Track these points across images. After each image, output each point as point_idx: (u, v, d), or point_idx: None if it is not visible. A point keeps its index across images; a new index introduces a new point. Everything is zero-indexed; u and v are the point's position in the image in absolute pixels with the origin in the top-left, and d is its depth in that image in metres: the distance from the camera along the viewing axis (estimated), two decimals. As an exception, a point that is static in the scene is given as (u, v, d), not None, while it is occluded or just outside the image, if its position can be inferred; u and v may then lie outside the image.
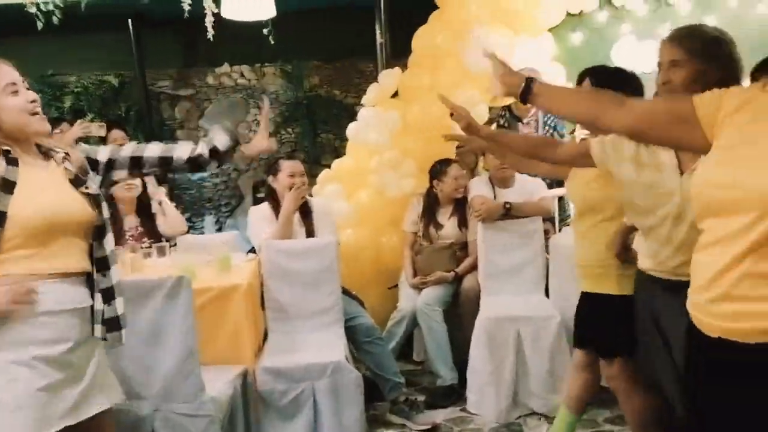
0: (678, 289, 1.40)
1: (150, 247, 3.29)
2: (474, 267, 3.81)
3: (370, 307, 3.74)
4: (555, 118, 4.08)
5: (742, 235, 1.06)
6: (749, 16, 5.36)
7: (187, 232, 3.79)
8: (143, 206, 3.62)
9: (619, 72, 2.21)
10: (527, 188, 3.75)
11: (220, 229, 6.21)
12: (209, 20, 3.82)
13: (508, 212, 3.59)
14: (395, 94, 4.39)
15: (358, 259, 4.09)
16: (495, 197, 3.73)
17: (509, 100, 4.22)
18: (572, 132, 3.83)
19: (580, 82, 2.28)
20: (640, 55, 5.14)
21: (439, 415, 3.36)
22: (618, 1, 5.39)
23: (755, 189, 1.04)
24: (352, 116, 4.48)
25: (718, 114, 1.15)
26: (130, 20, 6.06)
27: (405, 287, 3.97)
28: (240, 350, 2.84)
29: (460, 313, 3.75)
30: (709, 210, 1.14)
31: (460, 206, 3.94)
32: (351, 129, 4.37)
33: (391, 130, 4.15)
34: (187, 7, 3.77)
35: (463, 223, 3.92)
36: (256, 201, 5.84)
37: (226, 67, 6.72)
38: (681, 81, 1.55)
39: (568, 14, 5.22)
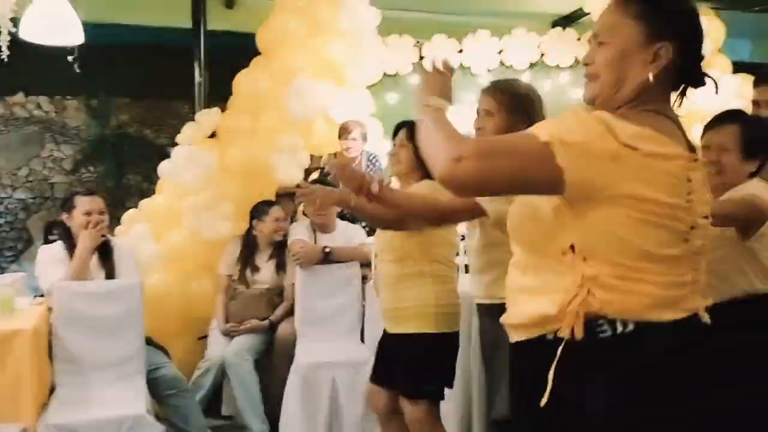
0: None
1: None
2: (290, 313, 3.72)
3: (176, 359, 3.48)
4: (376, 169, 4.26)
5: None
6: (539, 89, 6.02)
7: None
8: None
9: None
10: (347, 234, 3.79)
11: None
12: (4, 40, 3.41)
13: (328, 257, 3.59)
14: (212, 135, 4.25)
15: (164, 306, 3.80)
16: (315, 242, 3.72)
17: (335, 148, 4.30)
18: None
19: (395, 134, 2.41)
20: (450, 118, 5.57)
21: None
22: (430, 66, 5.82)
23: None
24: (164, 157, 4.24)
25: None
26: None
27: (215, 334, 3.75)
28: (20, 405, 2.46)
29: (273, 363, 3.62)
30: None
31: (279, 250, 3.86)
32: (163, 167, 4.13)
33: (208, 170, 3.99)
34: (-26, 25, 3.34)
35: (281, 267, 3.84)
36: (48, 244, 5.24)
37: (20, 96, 6.08)
38: (492, 129, 1.69)
39: (385, 74, 5.54)
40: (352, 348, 3.51)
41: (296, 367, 3.29)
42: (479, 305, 1.99)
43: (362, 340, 3.59)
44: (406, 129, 2.30)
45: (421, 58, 5.70)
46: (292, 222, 4.10)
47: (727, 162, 1.85)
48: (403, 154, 2.33)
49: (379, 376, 2.48)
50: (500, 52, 5.70)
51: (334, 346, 3.49)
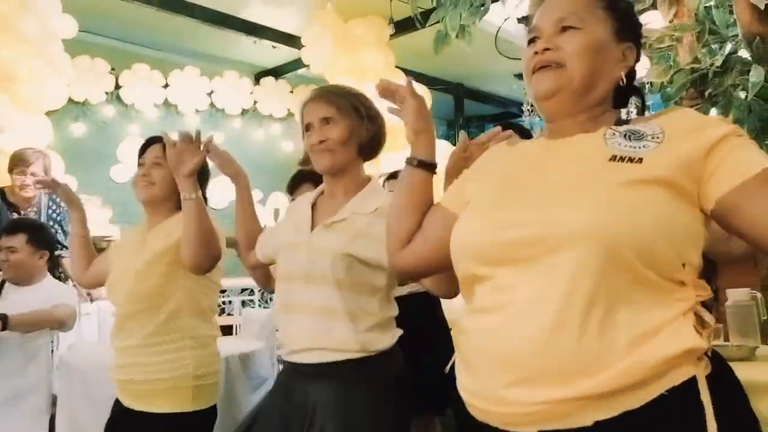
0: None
1: None
2: None
3: None
4: (62, 211, 3.35)
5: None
6: (252, 137, 5.77)
7: None
8: None
9: None
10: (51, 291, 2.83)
11: None
12: None
13: (4, 325, 2.62)
14: None
15: None
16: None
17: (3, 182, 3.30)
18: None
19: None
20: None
21: None
22: (127, 98, 5.10)
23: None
24: None
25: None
26: None
27: None
28: None
29: None
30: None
31: None
32: None
33: None
34: None
35: None
36: None
37: None
38: (338, 137, 1.43)
39: (71, 101, 4.64)
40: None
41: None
42: (305, 365, 1.46)
43: (52, 428, 2.69)
44: (161, 146, 1.71)
45: (118, 87, 4.95)
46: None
47: None
48: (156, 175, 1.73)
49: None
50: (211, 93, 5.26)
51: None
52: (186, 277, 1.66)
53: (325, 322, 1.34)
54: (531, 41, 0.92)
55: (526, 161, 0.91)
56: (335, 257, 1.34)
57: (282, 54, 5.48)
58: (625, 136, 0.85)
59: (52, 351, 2.82)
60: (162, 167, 1.70)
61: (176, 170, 1.55)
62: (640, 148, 0.82)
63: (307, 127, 1.48)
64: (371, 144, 1.45)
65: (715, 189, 0.78)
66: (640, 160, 0.80)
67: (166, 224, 1.70)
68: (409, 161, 1.03)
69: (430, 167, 1.02)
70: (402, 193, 1.03)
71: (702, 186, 0.79)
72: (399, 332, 1.42)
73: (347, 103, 1.46)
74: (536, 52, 0.90)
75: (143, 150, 1.77)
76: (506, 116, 7.74)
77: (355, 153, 1.44)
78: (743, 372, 1.55)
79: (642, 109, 0.98)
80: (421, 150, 1.02)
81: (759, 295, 1.82)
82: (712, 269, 3.41)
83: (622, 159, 0.81)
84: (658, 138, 0.82)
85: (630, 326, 0.76)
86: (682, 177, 0.79)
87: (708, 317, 0.80)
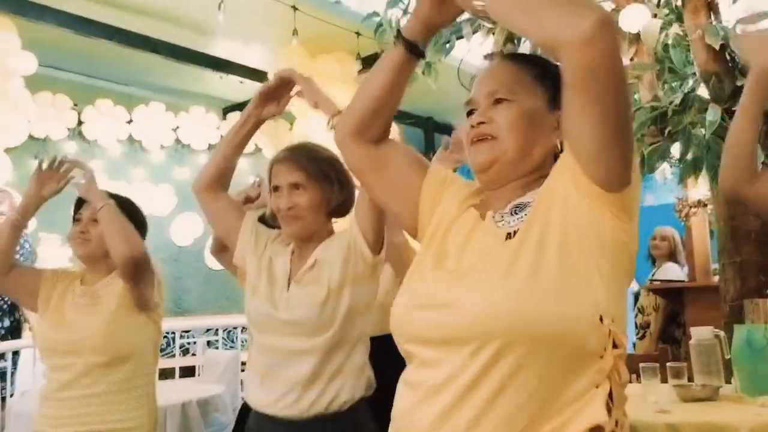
0: None
1: None
2: None
3: None
4: (25, 252, 3.27)
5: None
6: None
7: None
8: None
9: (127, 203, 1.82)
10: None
11: None
12: None
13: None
14: None
15: None
16: None
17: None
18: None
19: None
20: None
21: None
22: (90, 134, 5.02)
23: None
24: None
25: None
26: None
27: None
28: None
29: None
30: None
31: None
32: None
33: None
34: None
35: None
36: None
37: None
38: (307, 204, 1.40)
39: (31, 137, 4.55)
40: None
41: None
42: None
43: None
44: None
45: (80, 123, 4.88)
46: None
47: None
48: (93, 231, 1.67)
49: None
50: (176, 129, 5.21)
51: None
52: (147, 324, 1.66)
53: None
54: (469, 113, 0.94)
55: (460, 230, 0.92)
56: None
57: (250, 89, 5.46)
58: (511, 212, 0.88)
59: (4, 398, 2.72)
60: (98, 224, 1.66)
61: (37, 192, 1.68)
62: (524, 217, 0.85)
63: (275, 188, 1.44)
64: (340, 208, 1.44)
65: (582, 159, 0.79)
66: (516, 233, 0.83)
67: (113, 282, 1.68)
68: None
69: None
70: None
71: (586, 176, 0.79)
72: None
73: (317, 169, 1.42)
74: (473, 126, 0.92)
75: (78, 206, 1.71)
76: (475, 150, 7.79)
77: (324, 218, 1.42)
78: (708, 413, 1.54)
79: None
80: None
81: (722, 333, 1.81)
82: (679, 304, 3.43)
83: (514, 234, 0.83)
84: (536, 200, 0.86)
85: (534, 407, 0.76)
86: (570, 199, 0.80)
87: (624, 381, 0.78)
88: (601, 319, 0.76)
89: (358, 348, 1.36)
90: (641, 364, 1.79)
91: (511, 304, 0.76)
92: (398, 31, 0.96)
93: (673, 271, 3.74)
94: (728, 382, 1.79)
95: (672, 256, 3.81)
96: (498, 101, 0.91)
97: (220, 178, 1.49)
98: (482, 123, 0.91)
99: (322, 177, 1.41)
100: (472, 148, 0.92)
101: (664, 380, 1.82)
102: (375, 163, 0.99)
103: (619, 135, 0.77)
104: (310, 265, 1.37)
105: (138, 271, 1.64)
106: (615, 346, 0.77)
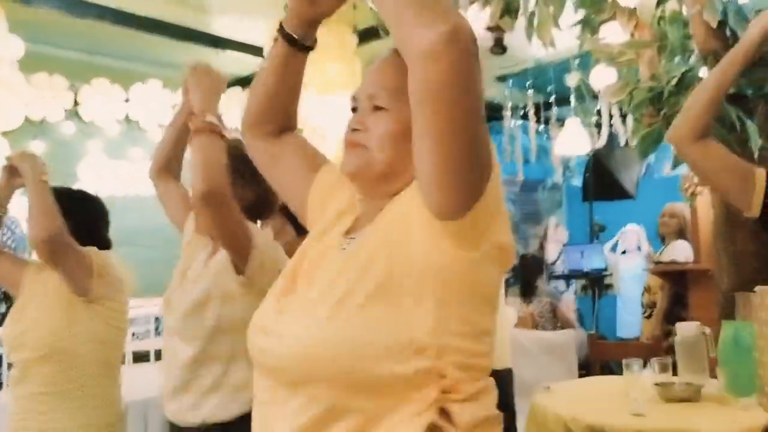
0: None
1: None
2: None
3: None
4: (16, 237, 3.29)
5: None
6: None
7: None
8: None
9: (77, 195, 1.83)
10: None
11: None
12: None
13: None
14: None
15: None
16: None
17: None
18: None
19: None
20: (108, 173, 4.84)
21: None
22: (86, 115, 4.98)
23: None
24: None
25: None
26: None
27: None
28: None
29: None
30: None
31: None
32: None
33: None
34: None
35: None
36: None
37: None
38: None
39: (28, 120, 4.52)
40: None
41: None
42: None
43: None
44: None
45: (77, 104, 4.83)
46: None
47: None
48: None
49: None
50: (174, 106, 5.15)
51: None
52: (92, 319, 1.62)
53: None
54: (353, 109, 0.87)
55: (320, 245, 0.87)
56: None
57: (247, 64, 5.37)
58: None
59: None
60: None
61: (7, 182, 1.69)
62: None
63: None
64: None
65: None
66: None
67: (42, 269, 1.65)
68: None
69: None
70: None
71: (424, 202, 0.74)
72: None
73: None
74: (349, 128, 0.86)
75: None
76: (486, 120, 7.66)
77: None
78: (682, 419, 1.50)
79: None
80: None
81: (707, 329, 1.77)
82: (683, 286, 3.36)
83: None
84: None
85: None
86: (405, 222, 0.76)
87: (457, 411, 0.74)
88: (421, 351, 0.71)
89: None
90: (624, 360, 1.73)
91: (312, 337, 0.73)
92: (280, 24, 0.91)
93: (681, 250, 3.62)
94: (716, 376, 1.75)
95: (682, 234, 3.69)
96: (376, 108, 0.83)
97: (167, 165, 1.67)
98: (356, 130, 0.84)
99: (236, 173, 1.46)
100: (344, 152, 0.85)
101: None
102: (269, 158, 0.96)
103: (459, 161, 0.70)
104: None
105: (54, 255, 1.58)
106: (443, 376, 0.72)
